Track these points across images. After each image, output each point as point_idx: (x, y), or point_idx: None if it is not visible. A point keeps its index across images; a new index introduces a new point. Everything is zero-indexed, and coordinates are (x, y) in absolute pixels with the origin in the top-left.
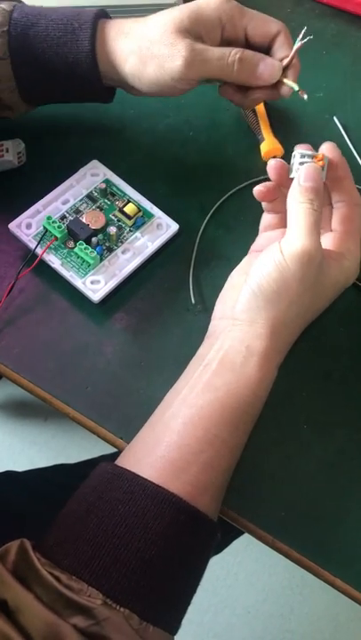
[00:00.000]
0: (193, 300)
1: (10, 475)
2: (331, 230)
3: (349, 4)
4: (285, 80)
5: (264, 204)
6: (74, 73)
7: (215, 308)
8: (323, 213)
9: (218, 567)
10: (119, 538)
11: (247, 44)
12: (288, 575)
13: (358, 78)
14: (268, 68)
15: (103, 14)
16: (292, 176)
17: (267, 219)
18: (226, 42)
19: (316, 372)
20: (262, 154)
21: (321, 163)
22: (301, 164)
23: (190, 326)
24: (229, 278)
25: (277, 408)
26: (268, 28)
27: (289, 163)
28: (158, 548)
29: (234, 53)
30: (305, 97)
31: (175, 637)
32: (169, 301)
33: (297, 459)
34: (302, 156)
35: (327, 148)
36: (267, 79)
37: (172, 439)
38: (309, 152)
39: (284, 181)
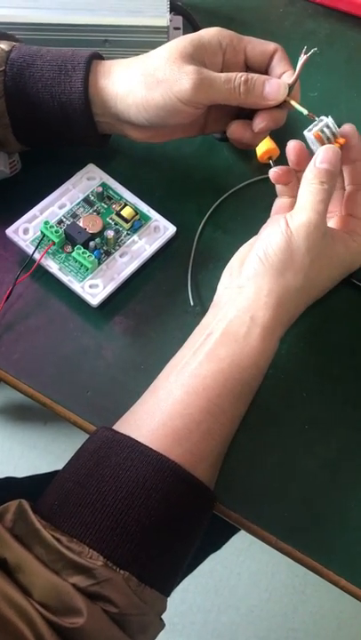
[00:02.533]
0: (192, 302)
1: (9, 481)
2: (341, 213)
3: (342, 3)
4: (293, 103)
5: (278, 188)
6: (67, 114)
7: (222, 277)
8: (335, 196)
9: (221, 567)
10: (120, 503)
11: (247, 66)
12: (291, 574)
13: (352, 77)
14: (273, 87)
15: (97, 56)
16: (305, 133)
17: (279, 203)
18: (227, 66)
19: (317, 371)
20: (258, 155)
21: (339, 146)
22: (322, 131)
23: (190, 328)
24: (237, 252)
25: (279, 408)
26: (265, 47)
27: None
28: (158, 514)
29: (240, 76)
30: (315, 119)
31: (179, 638)
32: (168, 304)
33: (299, 459)
34: (327, 126)
35: (347, 130)
36: (273, 98)
37: (175, 407)
38: (335, 128)
39: (302, 163)
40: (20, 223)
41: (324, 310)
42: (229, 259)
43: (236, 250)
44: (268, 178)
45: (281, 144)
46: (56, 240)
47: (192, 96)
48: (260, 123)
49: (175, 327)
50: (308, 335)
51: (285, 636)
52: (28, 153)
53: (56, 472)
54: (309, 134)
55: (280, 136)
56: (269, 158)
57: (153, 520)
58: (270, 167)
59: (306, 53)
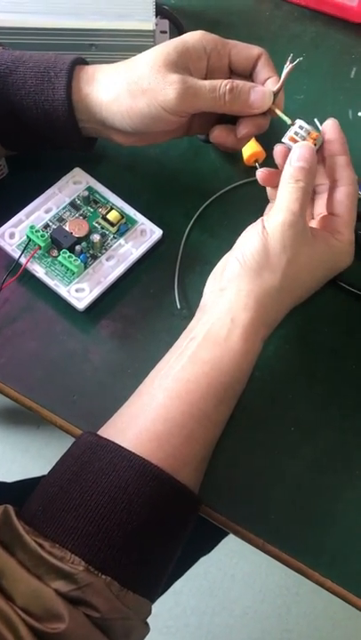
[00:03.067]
0: (178, 305)
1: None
2: (323, 212)
3: (327, 6)
4: (277, 111)
5: (269, 192)
6: (51, 121)
7: (207, 282)
8: (323, 198)
9: (214, 569)
10: (102, 508)
11: (231, 71)
12: (284, 575)
13: (338, 80)
14: (258, 95)
15: (80, 61)
16: (282, 140)
17: (269, 208)
18: (211, 70)
19: (302, 373)
20: (244, 158)
21: (313, 141)
22: (296, 133)
23: (177, 331)
24: (223, 257)
25: (265, 411)
26: (249, 51)
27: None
28: (140, 519)
29: (224, 85)
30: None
31: None
32: (155, 307)
33: (285, 460)
34: (300, 127)
35: (328, 125)
36: (258, 107)
37: (158, 412)
38: (308, 126)
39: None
40: (6, 228)
41: (310, 312)
42: (216, 262)
43: (223, 253)
44: (255, 181)
45: (267, 146)
46: (42, 244)
47: (177, 106)
48: (243, 129)
49: (162, 330)
50: (295, 337)
51: (280, 638)
52: (14, 157)
53: (44, 477)
54: (285, 140)
55: (266, 139)
56: (255, 161)
57: (136, 525)
58: (256, 170)
59: (292, 62)
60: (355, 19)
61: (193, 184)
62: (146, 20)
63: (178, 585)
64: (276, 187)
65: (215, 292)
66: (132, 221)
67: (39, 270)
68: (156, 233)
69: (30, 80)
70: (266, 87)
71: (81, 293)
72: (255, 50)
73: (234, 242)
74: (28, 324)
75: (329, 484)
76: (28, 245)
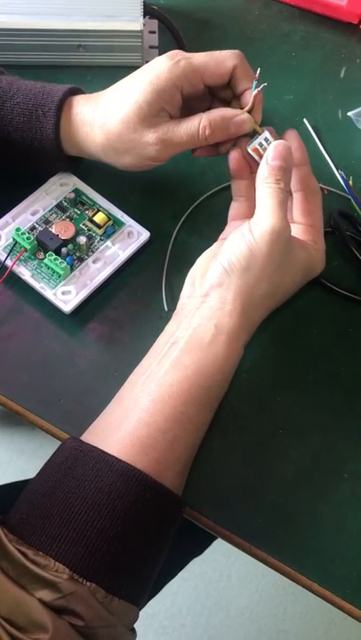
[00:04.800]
0: (166, 308)
1: None
2: (293, 220)
3: (317, 5)
4: (256, 127)
5: (233, 188)
6: (40, 156)
7: (184, 287)
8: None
9: (210, 570)
10: (85, 514)
11: (208, 89)
12: (280, 576)
13: (327, 79)
14: (238, 125)
15: (71, 92)
16: (248, 149)
17: (235, 207)
18: (187, 98)
19: (290, 376)
20: None
21: None
22: (261, 145)
23: None
24: (198, 260)
25: (253, 414)
26: (223, 68)
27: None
28: (124, 524)
29: (202, 126)
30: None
31: None
32: (142, 309)
33: (273, 464)
34: (266, 139)
35: (290, 136)
36: (241, 132)
37: (141, 416)
38: (271, 140)
39: (243, 171)
40: None
41: (299, 314)
42: None
43: None
44: None
45: None
46: (28, 247)
47: (160, 157)
48: (223, 149)
49: (150, 333)
50: (283, 339)
51: (276, 638)
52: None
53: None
54: (250, 149)
55: None
56: None
57: (120, 530)
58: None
59: (258, 81)
60: (345, 18)
61: (181, 186)
62: (134, 21)
63: (174, 585)
64: (244, 179)
65: (195, 297)
66: (120, 223)
67: (25, 273)
68: (143, 235)
69: (18, 117)
70: (244, 114)
71: (67, 296)
72: (228, 63)
73: None
74: (13, 327)
75: (317, 486)
76: (14, 248)
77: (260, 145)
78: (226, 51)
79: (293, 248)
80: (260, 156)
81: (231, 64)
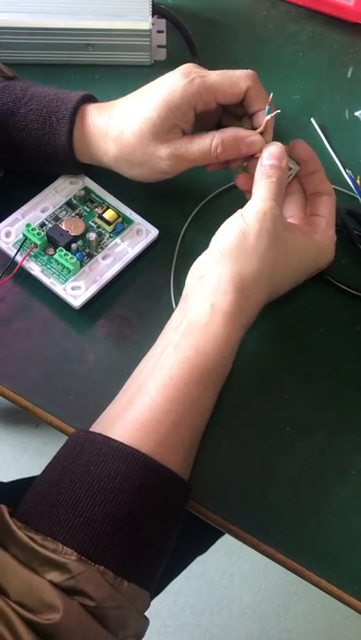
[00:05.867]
0: (174, 305)
1: None
2: (296, 214)
3: (325, 5)
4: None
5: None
6: (52, 161)
7: (188, 273)
8: (298, 202)
9: (213, 569)
10: (92, 498)
11: (221, 107)
12: (283, 575)
13: (335, 79)
14: (250, 146)
15: (83, 100)
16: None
17: None
18: (200, 115)
19: (296, 373)
20: None
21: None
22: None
23: None
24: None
25: (259, 410)
26: (237, 89)
27: None
28: (131, 507)
29: (215, 145)
30: None
31: (172, 639)
32: (150, 307)
33: (280, 460)
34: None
35: (300, 148)
36: (252, 152)
37: (144, 401)
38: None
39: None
40: (3, 226)
41: (306, 311)
42: None
43: None
44: None
45: None
46: (38, 242)
47: (171, 171)
48: (234, 165)
49: (158, 330)
50: (288, 336)
51: (278, 637)
52: None
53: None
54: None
55: None
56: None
57: (127, 513)
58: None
59: (270, 108)
60: (352, 18)
61: (189, 184)
62: (142, 20)
63: (176, 584)
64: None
65: (195, 280)
66: (129, 221)
67: (35, 268)
68: (152, 232)
69: (32, 124)
70: (256, 136)
71: (77, 291)
72: (242, 84)
73: None
74: (23, 323)
75: (324, 483)
76: (24, 243)
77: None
78: (240, 71)
79: (288, 229)
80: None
81: (245, 85)
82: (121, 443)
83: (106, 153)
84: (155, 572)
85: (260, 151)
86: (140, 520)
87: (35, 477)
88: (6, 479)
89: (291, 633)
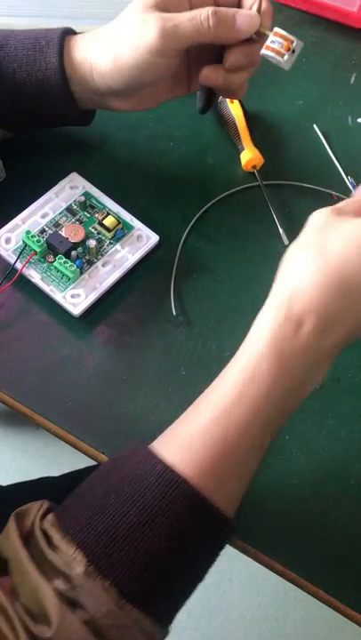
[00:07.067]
0: (174, 312)
1: (47, 482)
2: None
3: (328, 11)
4: (265, 31)
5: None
6: (45, 92)
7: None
8: None
9: (212, 572)
10: (118, 508)
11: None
12: (282, 579)
13: (338, 85)
14: (245, 18)
15: (70, 31)
16: (261, 52)
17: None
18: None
19: None
20: (242, 163)
21: (288, 46)
22: (273, 42)
23: (172, 338)
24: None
25: None
26: None
27: None
28: (152, 525)
29: (205, 10)
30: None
31: None
32: (150, 313)
33: (280, 470)
34: (272, 40)
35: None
36: (246, 30)
37: (200, 430)
38: (284, 32)
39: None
40: (2, 232)
41: None
42: (213, 268)
43: (221, 259)
44: (254, 187)
45: (266, 153)
46: (38, 250)
47: (160, 44)
48: (231, 57)
49: (158, 337)
50: None
51: None
52: (11, 162)
53: (41, 479)
54: (264, 51)
55: (265, 144)
56: (254, 167)
57: (148, 532)
58: (255, 176)
59: None
60: (355, 24)
61: (190, 189)
62: None
63: None
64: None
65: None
66: (129, 227)
67: (35, 276)
68: (152, 239)
69: (22, 51)
70: (252, 11)
71: (76, 299)
72: None
73: (231, 248)
74: (22, 330)
75: (324, 493)
76: (23, 251)
77: (272, 42)
78: None
79: (337, 224)
80: (276, 53)
81: None
82: (160, 460)
83: (93, 50)
84: (167, 604)
85: (257, 36)
86: (158, 540)
87: (30, 482)
88: (6, 480)
89: (289, 638)
